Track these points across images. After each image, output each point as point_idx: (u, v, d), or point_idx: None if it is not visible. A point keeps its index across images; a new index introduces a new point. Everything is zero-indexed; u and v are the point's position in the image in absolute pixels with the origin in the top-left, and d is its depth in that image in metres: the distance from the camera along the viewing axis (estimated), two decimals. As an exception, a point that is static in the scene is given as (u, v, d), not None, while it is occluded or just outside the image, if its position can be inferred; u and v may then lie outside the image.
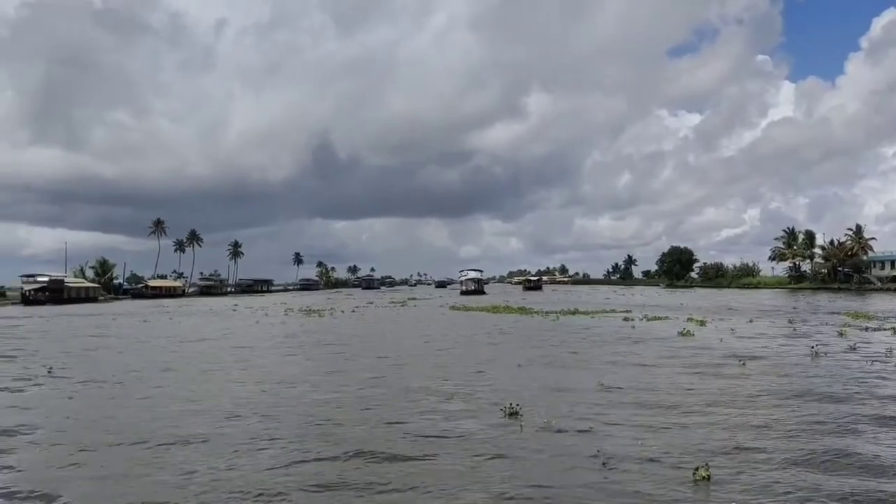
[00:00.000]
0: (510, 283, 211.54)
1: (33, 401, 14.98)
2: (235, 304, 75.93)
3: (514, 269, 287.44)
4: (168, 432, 11.27)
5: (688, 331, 28.22)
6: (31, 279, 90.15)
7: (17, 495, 8.39)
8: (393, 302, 75.21)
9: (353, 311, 55.70)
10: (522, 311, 48.17)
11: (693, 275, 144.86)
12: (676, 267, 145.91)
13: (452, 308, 57.41)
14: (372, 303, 73.85)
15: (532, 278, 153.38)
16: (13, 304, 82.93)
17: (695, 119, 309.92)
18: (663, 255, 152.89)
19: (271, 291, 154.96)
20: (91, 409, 13.71)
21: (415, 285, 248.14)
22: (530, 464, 9.24)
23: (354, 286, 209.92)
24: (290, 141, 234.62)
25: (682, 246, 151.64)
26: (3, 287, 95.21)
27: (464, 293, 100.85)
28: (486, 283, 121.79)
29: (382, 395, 14.54)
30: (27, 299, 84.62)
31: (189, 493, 8.27)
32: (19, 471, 9.43)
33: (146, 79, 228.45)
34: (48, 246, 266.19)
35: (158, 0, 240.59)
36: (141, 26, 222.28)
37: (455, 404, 13.33)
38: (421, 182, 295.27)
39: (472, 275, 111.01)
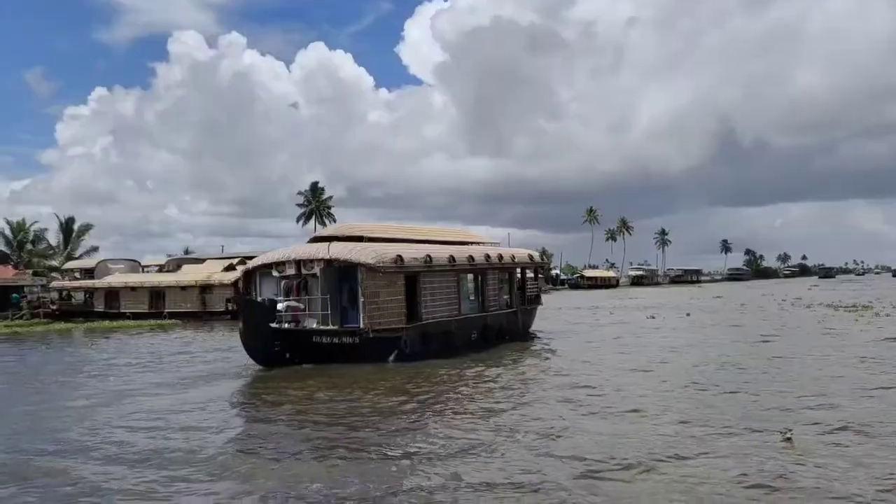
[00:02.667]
0: None
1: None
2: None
3: None
4: None
5: None
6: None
7: None
8: None
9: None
10: None
11: None
12: None
13: None
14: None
15: None
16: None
17: None
18: None
19: (701, 282, 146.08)
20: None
21: (862, 274, 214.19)
22: None
23: (786, 276, 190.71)
24: (695, 128, 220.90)
25: None
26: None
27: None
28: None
29: None
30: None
31: None
32: None
33: (561, 86, 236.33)
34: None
35: (572, 11, 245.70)
36: (557, 39, 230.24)
37: None
38: (843, 160, 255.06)
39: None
